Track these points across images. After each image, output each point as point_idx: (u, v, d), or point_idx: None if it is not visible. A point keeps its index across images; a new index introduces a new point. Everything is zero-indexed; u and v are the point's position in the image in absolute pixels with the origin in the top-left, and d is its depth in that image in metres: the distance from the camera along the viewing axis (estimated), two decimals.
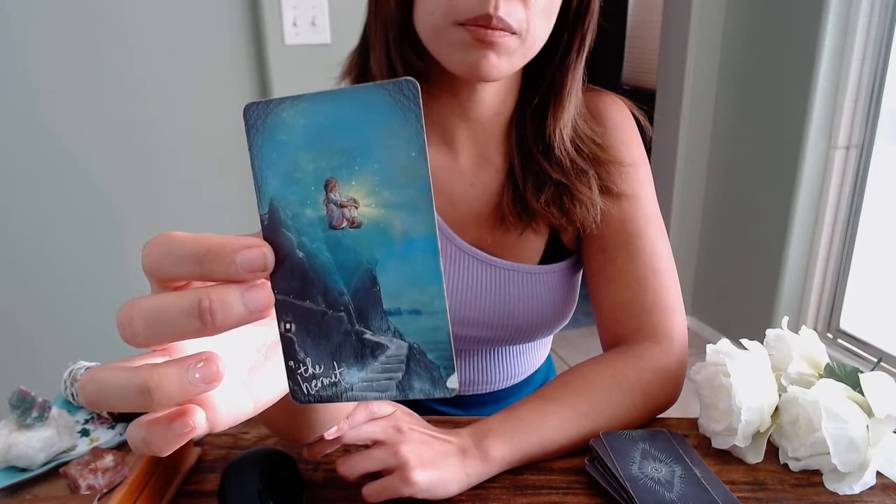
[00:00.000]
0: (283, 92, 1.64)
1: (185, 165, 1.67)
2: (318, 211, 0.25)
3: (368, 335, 0.26)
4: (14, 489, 0.57)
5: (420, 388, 0.26)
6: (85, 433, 0.65)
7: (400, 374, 0.26)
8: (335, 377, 0.27)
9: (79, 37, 1.50)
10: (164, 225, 1.68)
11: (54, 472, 0.59)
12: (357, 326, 0.26)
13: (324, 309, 0.26)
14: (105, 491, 0.54)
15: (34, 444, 0.58)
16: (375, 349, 0.26)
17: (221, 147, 1.66)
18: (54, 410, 0.62)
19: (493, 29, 0.55)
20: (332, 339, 0.26)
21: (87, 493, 0.54)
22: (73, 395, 0.69)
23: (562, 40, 0.63)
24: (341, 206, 0.25)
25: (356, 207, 0.25)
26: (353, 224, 0.25)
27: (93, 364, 0.70)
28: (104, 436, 0.65)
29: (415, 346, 0.26)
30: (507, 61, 0.58)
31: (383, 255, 0.25)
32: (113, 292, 1.66)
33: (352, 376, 0.27)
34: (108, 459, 0.56)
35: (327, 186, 0.25)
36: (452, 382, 0.26)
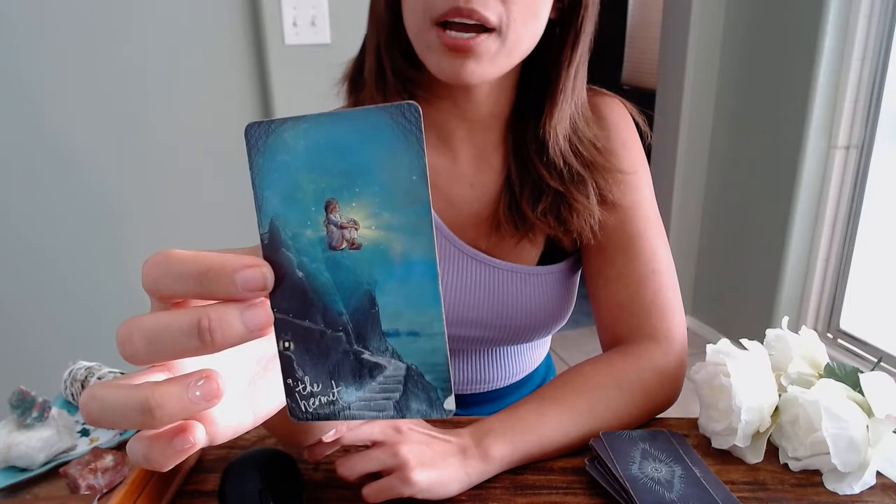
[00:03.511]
0: (282, 92, 1.64)
1: (185, 165, 1.67)
2: (319, 231, 0.25)
3: (367, 355, 0.26)
4: (14, 489, 0.57)
5: (417, 409, 0.26)
6: (85, 433, 0.65)
7: (397, 395, 0.26)
8: (333, 396, 0.27)
9: (79, 36, 1.50)
10: (164, 224, 1.68)
11: (54, 472, 0.59)
12: (355, 346, 0.26)
13: (323, 328, 0.26)
14: (105, 491, 0.54)
15: (34, 444, 0.58)
16: (373, 369, 0.26)
17: (221, 147, 1.66)
18: (54, 410, 0.62)
19: (466, 27, 0.53)
20: (331, 358, 0.27)
21: (87, 493, 0.54)
22: (73, 395, 0.69)
23: (555, 36, 0.63)
24: (341, 228, 0.25)
25: (356, 229, 0.25)
26: (353, 245, 0.25)
27: (93, 364, 0.70)
28: (104, 436, 0.65)
29: (413, 367, 0.26)
30: (488, 65, 0.57)
31: (383, 276, 0.25)
32: (113, 292, 1.66)
33: (349, 395, 0.27)
34: (108, 459, 0.56)
35: (328, 207, 0.25)
36: (449, 404, 0.26)
